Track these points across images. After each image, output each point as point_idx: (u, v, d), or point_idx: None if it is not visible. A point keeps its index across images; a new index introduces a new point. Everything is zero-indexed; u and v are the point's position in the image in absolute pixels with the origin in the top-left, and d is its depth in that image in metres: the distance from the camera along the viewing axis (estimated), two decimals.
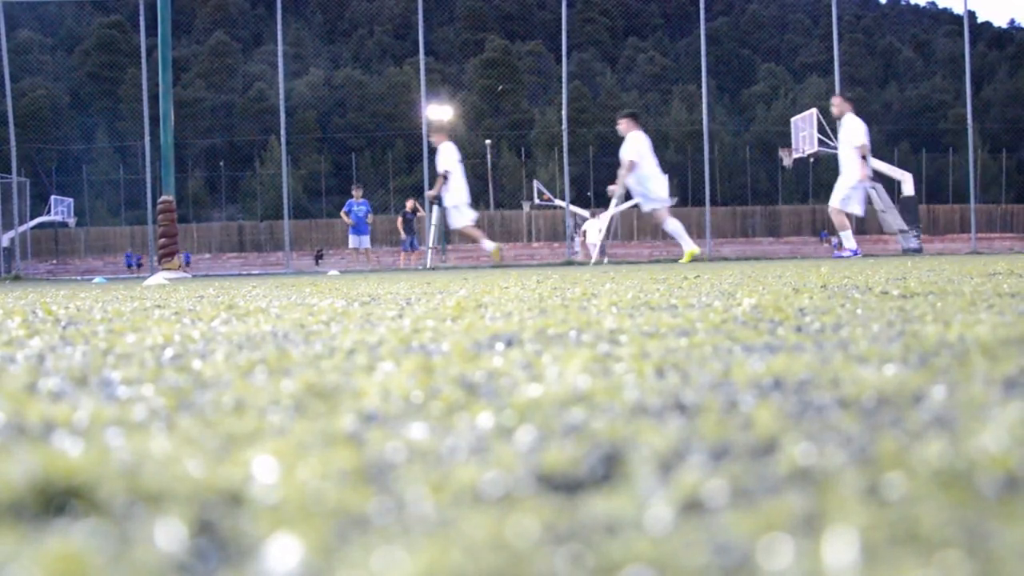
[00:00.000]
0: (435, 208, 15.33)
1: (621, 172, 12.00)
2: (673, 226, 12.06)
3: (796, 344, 1.52)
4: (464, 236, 14.87)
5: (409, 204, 19.85)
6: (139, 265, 37.70)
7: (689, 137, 53.31)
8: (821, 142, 19.90)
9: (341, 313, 2.66)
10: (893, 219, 17.53)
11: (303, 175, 59.16)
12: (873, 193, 14.14)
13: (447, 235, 19.30)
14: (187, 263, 35.87)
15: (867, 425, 0.87)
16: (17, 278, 15.72)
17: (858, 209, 12.11)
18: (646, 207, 12.31)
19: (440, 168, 12.99)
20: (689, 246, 11.97)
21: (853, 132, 11.83)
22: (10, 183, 20.77)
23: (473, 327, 2.01)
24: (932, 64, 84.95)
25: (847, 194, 11.89)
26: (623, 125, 12.11)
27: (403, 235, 20.20)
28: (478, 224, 13.59)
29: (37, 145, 48.95)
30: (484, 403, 1.03)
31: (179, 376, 1.33)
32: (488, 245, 13.03)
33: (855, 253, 12.09)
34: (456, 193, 12.93)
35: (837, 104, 12.19)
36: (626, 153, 11.93)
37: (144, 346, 1.80)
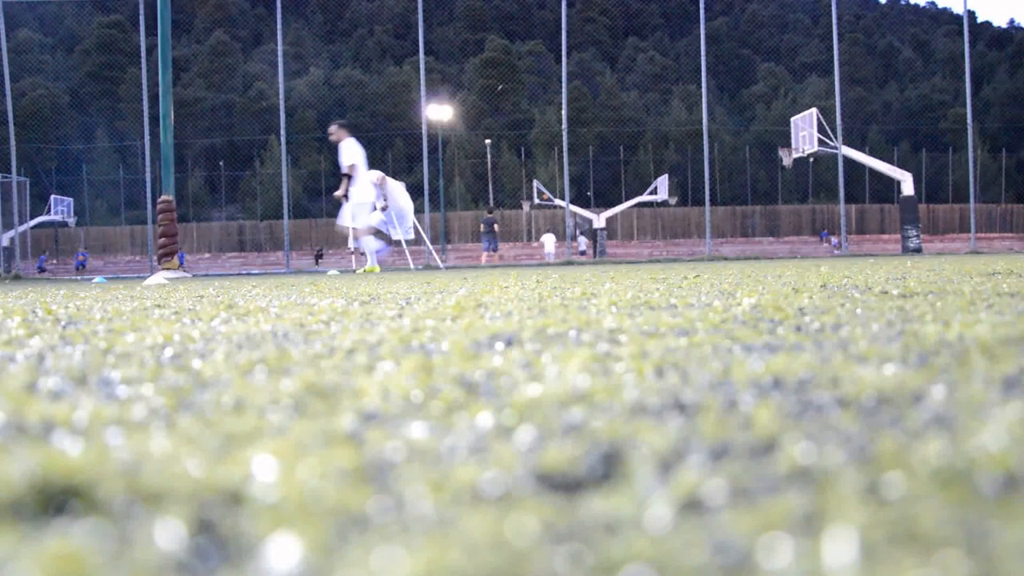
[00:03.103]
0: None
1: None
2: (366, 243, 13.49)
3: (796, 344, 1.52)
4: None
5: (491, 211, 21.77)
6: (83, 266, 39.01)
7: (689, 137, 53.30)
8: (821, 142, 19.90)
9: (341, 313, 2.66)
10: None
11: (303, 175, 59.13)
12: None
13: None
14: (181, 263, 36.18)
15: (867, 425, 0.87)
16: (17, 277, 15.71)
17: (372, 220, 13.45)
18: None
19: None
20: (373, 263, 13.46)
21: (345, 156, 13.03)
22: (10, 183, 20.76)
23: (473, 327, 2.01)
24: (932, 64, 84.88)
25: (354, 211, 13.14)
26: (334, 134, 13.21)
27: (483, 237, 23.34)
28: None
29: (37, 145, 48.95)
30: (484, 403, 1.03)
31: (179, 376, 1.33)
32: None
33: (383, 250, 13.40)
34: None
35: (333, 131, 13.27)
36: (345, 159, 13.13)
37: (144, 346, 1.80)
